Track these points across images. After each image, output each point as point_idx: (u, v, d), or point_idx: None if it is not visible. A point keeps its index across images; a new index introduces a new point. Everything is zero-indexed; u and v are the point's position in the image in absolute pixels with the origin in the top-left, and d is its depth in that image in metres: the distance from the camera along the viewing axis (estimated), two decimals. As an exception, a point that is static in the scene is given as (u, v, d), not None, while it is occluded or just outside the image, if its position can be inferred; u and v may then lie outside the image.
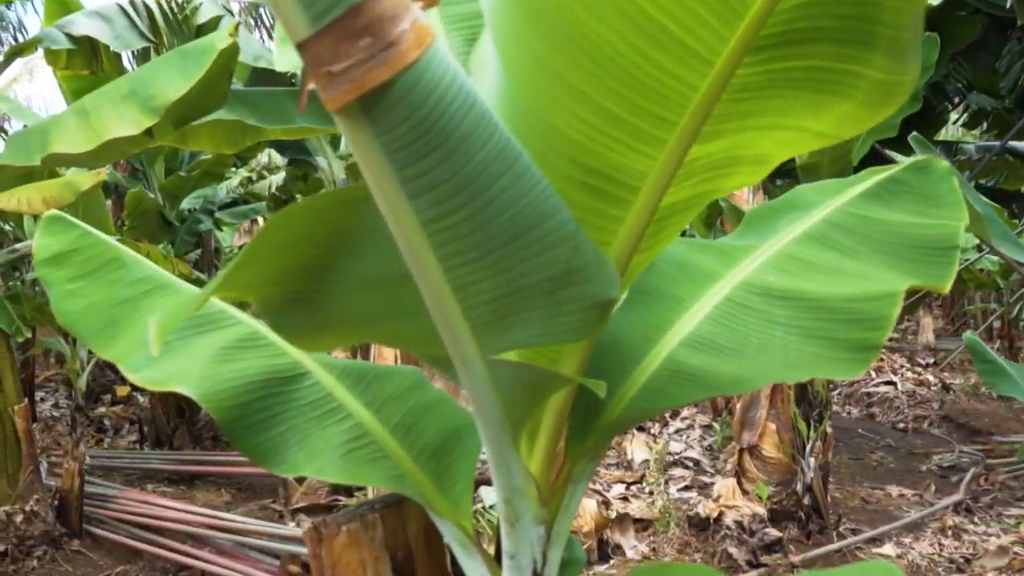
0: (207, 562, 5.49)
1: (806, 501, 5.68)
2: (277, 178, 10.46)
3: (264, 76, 6.38)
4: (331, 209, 0.98)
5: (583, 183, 1.13)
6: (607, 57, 1.03)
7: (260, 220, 9.66)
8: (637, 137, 1.09)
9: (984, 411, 9.36)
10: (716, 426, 7.92)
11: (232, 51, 2.48)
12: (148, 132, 2.62)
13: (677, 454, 7.40)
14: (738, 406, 5.81)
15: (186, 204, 8.42)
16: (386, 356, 2.97)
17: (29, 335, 5.83)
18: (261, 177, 12.05)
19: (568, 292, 1.05)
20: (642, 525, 5.86)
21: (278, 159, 11.14)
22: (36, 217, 3.06)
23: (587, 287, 1.05)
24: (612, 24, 0.99)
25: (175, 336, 1.57)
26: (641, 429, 8.25)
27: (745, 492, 5.73)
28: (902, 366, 11.48)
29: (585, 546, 5.35)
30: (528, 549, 1.33)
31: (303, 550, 4.98)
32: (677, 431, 8.08)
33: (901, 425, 9.14)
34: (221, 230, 9.41)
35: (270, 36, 7.38)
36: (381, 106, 0.88)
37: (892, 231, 1.79)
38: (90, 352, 6.27)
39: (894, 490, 6.99)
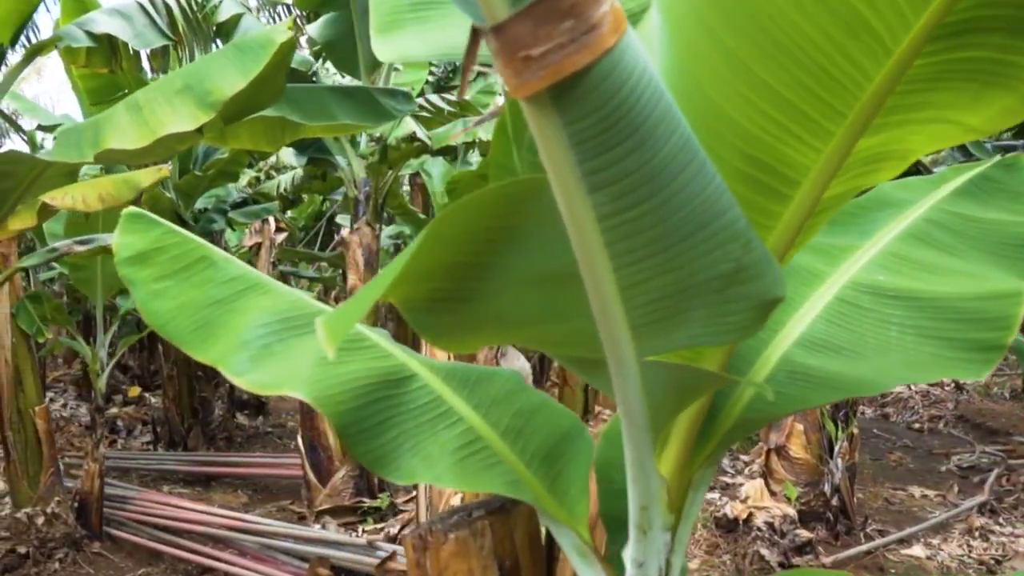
0: (230, 564, 5.44)
1: (834, 502, 5.64)
2: (285, 178, 10.40)
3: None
4: (498, 203, 0.94)
5: (747, 175, 1.09)
6: (795, 43, 0.99)
7: (271, 220, 9.58)
8: (808, 129, 1.05)
9: (1000, 411, 9.34)
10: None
11: (290, 45, 2.44)
12: (198, 128, 2.57)
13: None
14: (765, 407, 5.76)
15: (200, 204, 8.37)
16: (438, 357, 2.91)
17: (50, 335, 5.78)
18: (269, 177, 11.99)
19: (736, 291, 1.01)
20: (668, 526, 5.81)
21: (284, 159, 11.09)
22: (89, 214, 3.01)
23: (755, 286, 1.01)
24: (807, 9, 0.95)
25: (274, 338, 1.52)
26: (659, 429, 8.19)
27: (772, 493, 5.69)
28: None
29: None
30: (656, 557, 1.28)
31: (330, 552, 4.94)
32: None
33: (916, 425, 9.12)
34: (234, 230, 9.35)
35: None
36: (575, 94, 0.84)
37: (992, 229, 1.75)
38: (109, 353, 6.21)
39: (916, 491, 6.95)
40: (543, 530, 1.58)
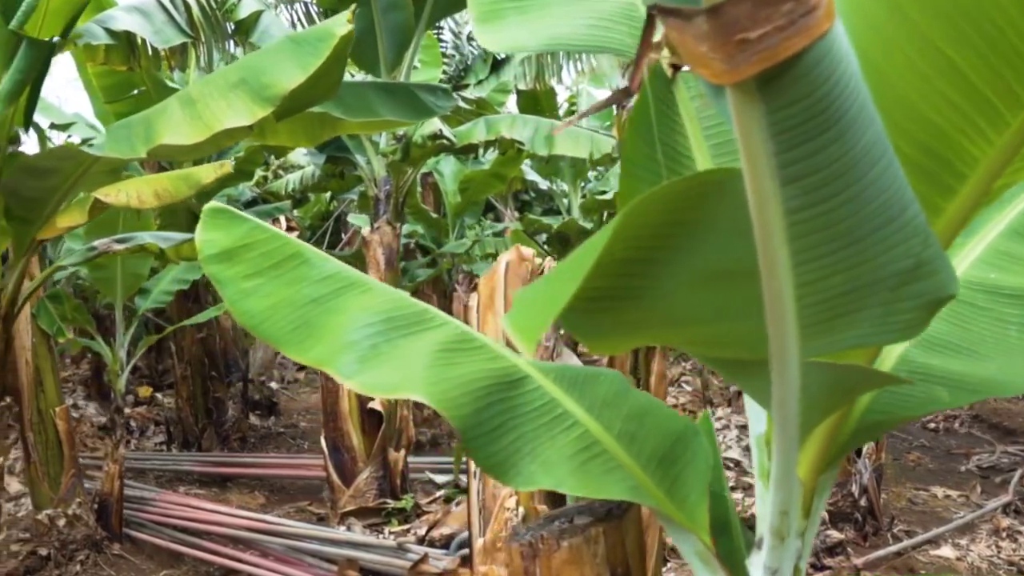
0: (254, 566, 5.39)
1: (862, 503, 5.61)
2: (294, 177, 10.35)
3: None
4: (685, 196, 0.89)
5: (918, 166, 1.05)
6: (991, 20, 0.94)
7: (281, 219, 9.52)
8: (988, 117, 1.01)
9: (1016, 411, 9.31)
10: (753, 426, 7.84)
11: (349, 38, 2.39)
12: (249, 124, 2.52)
13: (717, 455, 7.31)
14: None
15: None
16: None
17: (70, 335, 5.72)
18: (277, 176, 11.94)
19: (910, 289, 0.96)
20: (695, 527, 5.77)
21: (293, 158, 11.03)
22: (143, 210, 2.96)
23: (929, 283, 0.97)
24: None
25: (381, 338, 1.47)
26: (676, 429, 8.16)
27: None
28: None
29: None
30: (789, 563, 1.24)
31: (358, 554, 4.90)
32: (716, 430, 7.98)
33: (932, 425, 9.08)
34: (246, 229, 9.27)
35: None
36: (783, 80, 0.79)
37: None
38: (129, 353, 6.15)
39: (939, 491, 6.92)
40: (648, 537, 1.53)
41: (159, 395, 10.28)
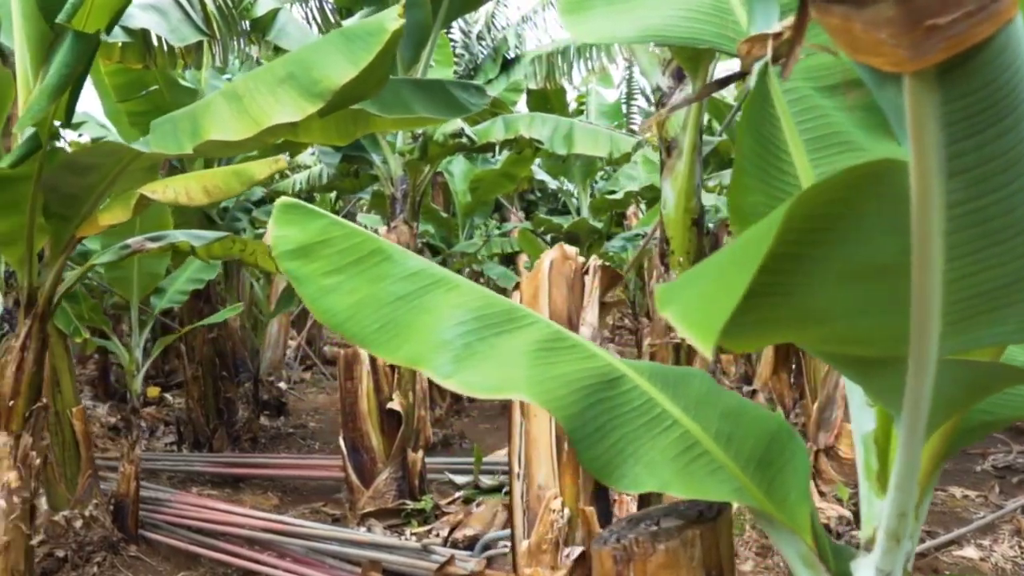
0: (273, 567, 5.35)
1: (885, 503, 5.57)
2: (301, 176, 10.31)
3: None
4: (838, 190, 0.86)
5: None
6: None
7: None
8: None
9: (1029, 411, 9.28)
10: (768, 426, 7.80)
11: (400, 33, 2.34)
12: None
13: (733, 455, 7.28)
14: (813, 407, 5.70)
15: (224, 202, 8.27)
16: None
17: (88, 335, 5.68)
18: (284, 176, 11.89)
19: (1063, 286, 0.93)
20: (716, 528, 5.73)
21: (299, 158, 10.99)
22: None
23: (1083, 280, 0.93)
24: None
25: (474, 337, 1.44)
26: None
27: (822, 494, 5.63)
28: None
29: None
30: (900, 565, 1.21)
31: (381, 555, 4.85)
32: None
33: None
34: (256, 228, 9.25)
35: (321, 30, 7.22)
36: (966, 68, 0.76)
37: None
38: (145, 353, 6.11)
39: (957, 491, 6.89)
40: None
41: (167, 395, 10.23)
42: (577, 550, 2.83)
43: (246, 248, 4.22)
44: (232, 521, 5.81)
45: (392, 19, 2.32)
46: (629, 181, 10.22)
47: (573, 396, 1.34)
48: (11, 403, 2.91)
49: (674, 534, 1.38)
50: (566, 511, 2.85)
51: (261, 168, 2.53)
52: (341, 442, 5.84)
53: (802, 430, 6.10)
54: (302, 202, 1.69)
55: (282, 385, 10.04)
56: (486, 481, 5.84)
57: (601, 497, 2.99)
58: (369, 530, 5.46)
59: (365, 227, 8.48)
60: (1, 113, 2.69)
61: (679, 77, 3.20)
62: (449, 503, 5.81)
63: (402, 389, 5.82)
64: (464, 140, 5.76)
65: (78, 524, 5.63)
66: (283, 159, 2.38)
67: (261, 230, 10.81)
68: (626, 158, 6.35)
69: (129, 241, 3.21)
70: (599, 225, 10.07)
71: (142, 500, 6.18)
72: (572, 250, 2.99)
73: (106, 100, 8.13)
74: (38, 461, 3.19)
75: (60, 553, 5.56)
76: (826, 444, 5.60)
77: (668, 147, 3.21)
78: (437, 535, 5.24)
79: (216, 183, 2.54)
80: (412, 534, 5.36)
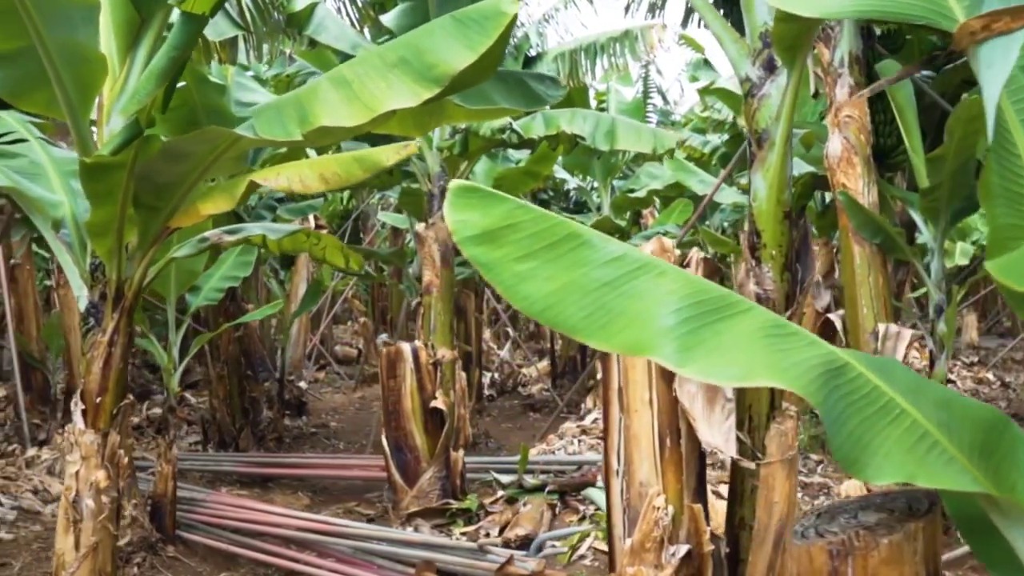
0: (318, 567, 5.27)
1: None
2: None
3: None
4: None
5: None
6: None
7: (311, 218, 9.39)
8: None
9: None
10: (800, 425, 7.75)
11: (515, 18, 2.28)
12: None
13: (768, 454, 7.22)
14: None
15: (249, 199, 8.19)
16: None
17: (126, 333, 5.58)
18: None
19: None
20: (762, 527, 5.67)
21: (313, 156, 10.91)
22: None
23: None
24: None
25: (697, 323, 1.38)
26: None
27: (869, 491, 5.57)
28: (954, 364, 11.43)
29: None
30: None
31: (435, 556, 4.78)
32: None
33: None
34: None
35: (353, 24, 7.15)
36: None
37: None
38: (181, 352, 6.03)
39: (995, 489, 6.85)
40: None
41: (187, 395, 10.14)
42: (683, 548, 2.77)
43: (320, 242, 4.15)
44: (272, 521, 5.73)
45: (508, 3, 2.26)
46: (651, 179, 10.16)
47: (815, 384, 1.28)
48: (98, 400, 2.84)
49: (896, 527, 1.33)
50: (670, 508, 2.79)
51: (388, 154, 2.45)
52: (384, 441, 5.76)
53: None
54: (478, 185, 1.63)
55: (303, 384, 9.96)
56: (529, 480, 5.78)
57: (701, 494, 2.94)
58: (416, 530, 5.40)
59: (377, 225, 8.39)
60: (92, 98, 2.61)
61: (770, 67, 3.14)
62: (493, 502, 5.75)
63: (444, 387, 5.76)
64: (507, 136, 5.69)
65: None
66: (413, 144, 2.30)
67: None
68: (670, 154, 6.29)
69: (207, 234, 3.14)
70: (622, 223, 10.02)
71: (178, 500, 6.10)
72: (669, 243, 2.94)
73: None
74: (126, 460, 3.11)
75: (100, 554, 5.48)
76: (874, 442, 5.54)
77: (759, 139, 3.16)
78: (487, 535, 5.18)
79: (334, 170, 2.45)
80: (461, 534, 5.30)
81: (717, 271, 2.83)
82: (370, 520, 6.39)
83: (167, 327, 6.11)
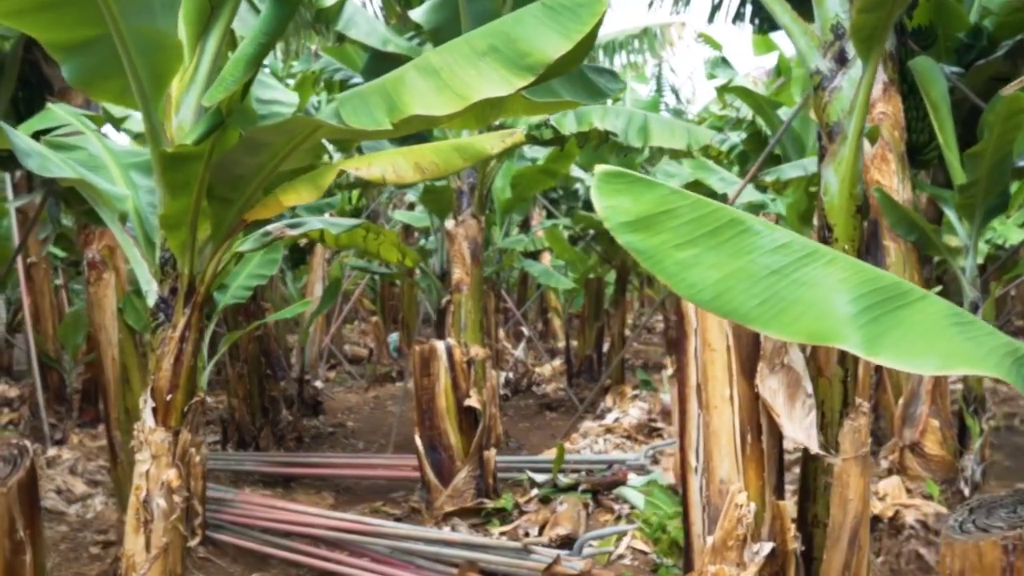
0: (354, 567, 5.21)
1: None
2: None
3: (386, 60, 6.09)
4: None
5: None
6: None
7: (327, 215, 9.33)
8: None
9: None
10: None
11: (606, 5, 2.24)
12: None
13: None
14: (899, 402, 5.62)
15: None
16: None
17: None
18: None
19: None
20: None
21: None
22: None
23: None
24: None
25: (878, 310, 1.34)
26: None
27: (908, 491, 5.55)
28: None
29: (759, 548, 5.13)
30: None
31: (477, 555, 4.73)
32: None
33: (992, 422, 9.01)
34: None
35: (379, 16, 7.08)
36: None
37: None
38: (211, 349, 5.96)
39: (1026, 487, 6.83)
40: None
41: (203, 394, 10.03)
42: (767, 546, 2.73)
43: (379, 236, 4.09)
44: (303, 521, 5.68)
45: (603, -10, 2.21)
46: (668, 178, 10.11)
47: (1013, 369, 1.24)
48: (168, 397, 2.77)
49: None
50: (752, 505, 2.75)
51: (492, 142, 2.38)
52: (417, 440, 5.71)
53: (881, 429, 6.03)
54: (624, 169, 1.58)
55: (319, 384, 9.90)
56: (563, 480, 5.73)
57: (781, 491, 2.89)
58: (453, 529, 5.35)
59: (393, 222, 8.32)
60: (165, 87, 2.55)
61: (841, 60, 3.10)
62: (527, 501, 5.70)
63: (477, 386, 5.71)
64: (540, 132, 5.64)
65: (149, 525, 5.48)
66: (520, 132, 2.23)
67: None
68: (704, 151, 6.25)
69: (270, 228, 3.08)
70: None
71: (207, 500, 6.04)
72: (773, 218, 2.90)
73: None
74: (198, 458, 3.05)
75: (131, 555, 5.41)
76: (912, 440, 5.52)
77: (830, 133, 3.11)
78: (527, 534, 5.14)
79: (432, 159, 2.38)
80: (501, 534, 5.25)
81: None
82: (398, 520, 6.33)
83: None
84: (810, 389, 2.80)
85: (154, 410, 2.78)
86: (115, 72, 2.48)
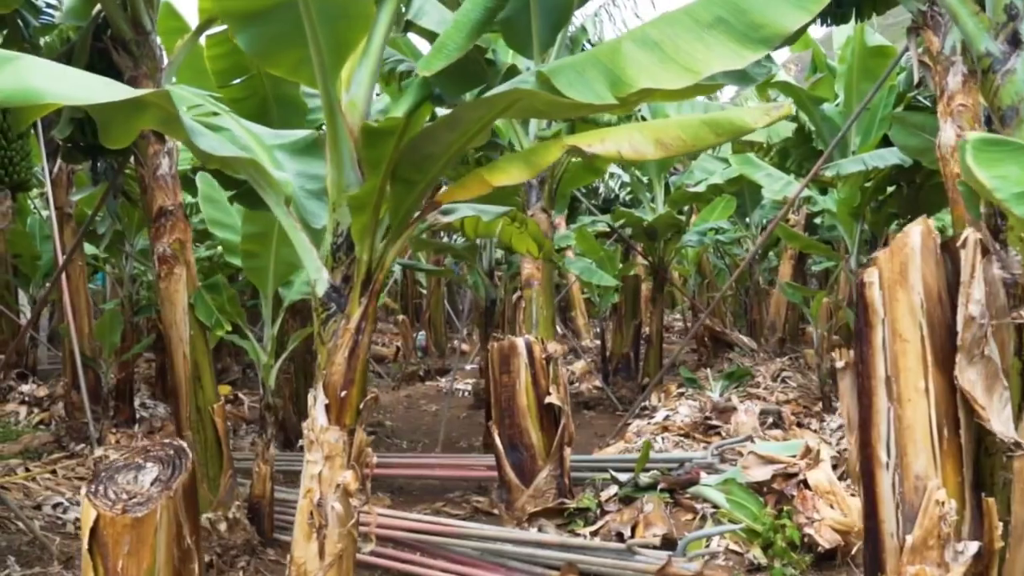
0: (431, 568, 5.07)
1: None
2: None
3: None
4: None
5: None
6: None
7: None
8: None
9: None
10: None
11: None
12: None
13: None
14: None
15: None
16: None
17: (229, 328, 5.35)
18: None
19: None
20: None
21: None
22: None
23: None
24: None
25: None
26: (800, 425, 7.97)
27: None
28: None
29: (855, 548, 5.03)
30: None
31: (576, 556, 4.59)
32: (840, 426, 7.80)
33: None
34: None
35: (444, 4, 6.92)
36: None
37: None
38: (280, 347, 5.80)
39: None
40: None
41: (240, 394, 9.90)
42: (973, 546, 2.61)
43: (524, 225, 3.94)
44: (381, 522, 5.52)
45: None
46: (706, 174, 10.02)
47: None
48: (343, 393, 2.61)
49: None
50: (952, 503, 2.63)
51: (755, 116, 2.21)
52: (496, 439, 5.57)
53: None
54: (1000, 137, 1.46)
55: (355, 383, 9.71)
56: (644, 479, 5.60)
57: (979, 488, 2.78)
58: (540, 530, 5.21)
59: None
60: (345, 58, 2.38)
61: (1014, 42, 2.99)
62: (607, 501, 5.57)
63: (556, 383, 5.58)
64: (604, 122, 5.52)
65: (222, 527, 5.33)
66: (788, 104, 2.09)
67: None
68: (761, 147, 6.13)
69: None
70: (683, 218, 9.89)
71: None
72: (931, 222, 2.78)
73: (203, 87, 7.80)
74: (374, 459, 2.89)
75: (205, 557, 5.25)
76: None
77: (1002, 117, 3.00)
78: (619, 535, 5.01)
79: (676, 134, 2.21)
80: (592, 534, 5.12)
81: (985, 253, 2.68)
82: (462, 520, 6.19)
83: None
84: (1007, 381, 2.69)
85: (327, 407, 2.61)
86: (295, 42, 2.33)
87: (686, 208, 11.70)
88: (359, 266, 2.54)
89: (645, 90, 2.17)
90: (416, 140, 2.37)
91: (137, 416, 9.02)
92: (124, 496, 2.71)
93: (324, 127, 2.56)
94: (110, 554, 2.62)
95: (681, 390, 9.07)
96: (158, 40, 5.43)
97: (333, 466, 2.63)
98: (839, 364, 3.01)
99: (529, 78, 2.48)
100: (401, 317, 12.59)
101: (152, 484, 2.78)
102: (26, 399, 9.70)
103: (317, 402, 2.62)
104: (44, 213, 12.39)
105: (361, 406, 2.65)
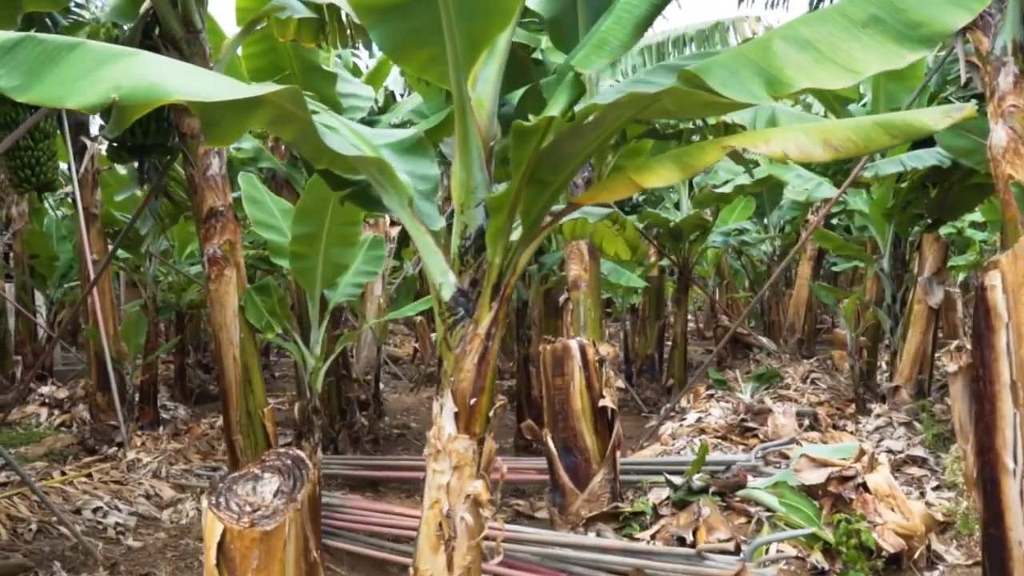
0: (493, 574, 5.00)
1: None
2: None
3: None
4: None
5: None
6: None
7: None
8: None
9: None
10: (919, 424, 7.62)
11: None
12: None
13: (899, 452, 7.08)
14: None
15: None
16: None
17: (279, 331, 5.28)
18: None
19: None
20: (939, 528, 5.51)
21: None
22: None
23: None
24: None
25: None
26: (835, 428, 7.93)
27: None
28: None
29: (917, 553, 4.99)
30: None
31: (641, 562, 4.54)
32: (876, 428, 7.76)
33: None
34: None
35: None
36: None
37: None
38: (329, 348, 5.72)
39: None
40: None
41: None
42: (1110, 555, 2.56)
43: (623, 227, 3.86)
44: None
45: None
46: (730, 175, 9.96)
47: None
48: (472, 401, 2.52)
49: None
50: (1086, 512, 2.58)
51: (936, 117, 2.15)
52: (549, 442, 5.50)
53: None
54: None
55: (380, 385, 9.64)
56: (697, 482, 5.54)
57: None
58: (599, 535, 5.15)
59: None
60: (478, 55, 2.30)
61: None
62: (661, 504, 5.52)
63: (609, 385, 5.52)
64: (655, 126, 5.46)
65: (274, 532, 5.24)
66: (971, 106, 2.03)
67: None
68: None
69: (556, 209, 2.83)
70: (710, 218, 9.83)
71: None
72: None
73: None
74: (505, 468, 2.81)
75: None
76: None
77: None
78: (681, 539, 4.95)
79: (847, 136, 2.15)
80: (651, 538, 5.06)
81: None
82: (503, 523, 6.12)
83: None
84: None
85: (456, 415, 2.53)
86: (429, 39, 2.27)
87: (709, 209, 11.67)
88: (491, 270, 2.47)
89: (807, 88, 2.12)
90: (556, 140, 2.30)
91: (160, 418, 8.93)
92: (247, 508, 2.64)
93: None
94: (238, 568, 2.54)
95: (710, 392, 9.02)
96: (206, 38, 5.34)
97: (462, 476, 2.55)
98: (950, 369, 2.96)
99: (656, 79, 2.41)
100: (418, 318, 12.48)
101: (275, 496, 2.70)
102: (46, 401, 9.59)
103: (444, 410, 2.54)
104: (59, 213, 12.27)
105: (491, 414, 2.57)
